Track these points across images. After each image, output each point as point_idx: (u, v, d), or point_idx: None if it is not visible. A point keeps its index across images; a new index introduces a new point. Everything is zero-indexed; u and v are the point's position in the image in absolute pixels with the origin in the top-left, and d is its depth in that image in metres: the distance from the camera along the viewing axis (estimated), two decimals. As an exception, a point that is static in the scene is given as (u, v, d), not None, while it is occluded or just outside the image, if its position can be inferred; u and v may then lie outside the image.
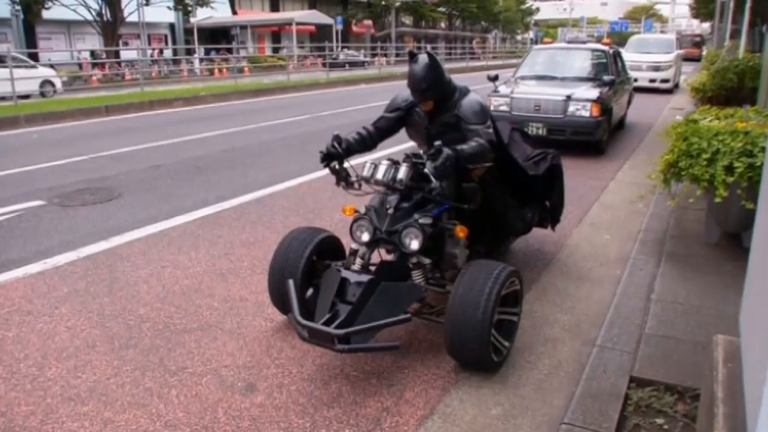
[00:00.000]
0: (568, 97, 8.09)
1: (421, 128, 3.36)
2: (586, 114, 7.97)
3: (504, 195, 3.71)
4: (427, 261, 3.08)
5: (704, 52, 26.30)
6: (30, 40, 27.50)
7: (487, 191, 3.47)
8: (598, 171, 7.40)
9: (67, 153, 8.48)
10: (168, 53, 32.90)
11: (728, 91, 9.81)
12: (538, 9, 64.85)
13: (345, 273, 2.89)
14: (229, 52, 28.69)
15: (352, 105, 14.67)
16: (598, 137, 8.17)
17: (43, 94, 15.92)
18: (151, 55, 30.19)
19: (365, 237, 2.99)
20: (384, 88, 19.55)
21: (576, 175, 7.20)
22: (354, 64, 33.19)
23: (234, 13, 39.31)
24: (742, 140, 3.97)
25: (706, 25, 48.59)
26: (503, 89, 8.78)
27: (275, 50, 37.92)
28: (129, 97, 15.29)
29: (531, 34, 66.58)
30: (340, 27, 39.18)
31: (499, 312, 2.83)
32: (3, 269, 4.27)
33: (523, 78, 9.45)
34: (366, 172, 3.07)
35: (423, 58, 3.11)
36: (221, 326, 3.41)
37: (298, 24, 36.14)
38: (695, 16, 43.07)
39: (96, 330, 3.38)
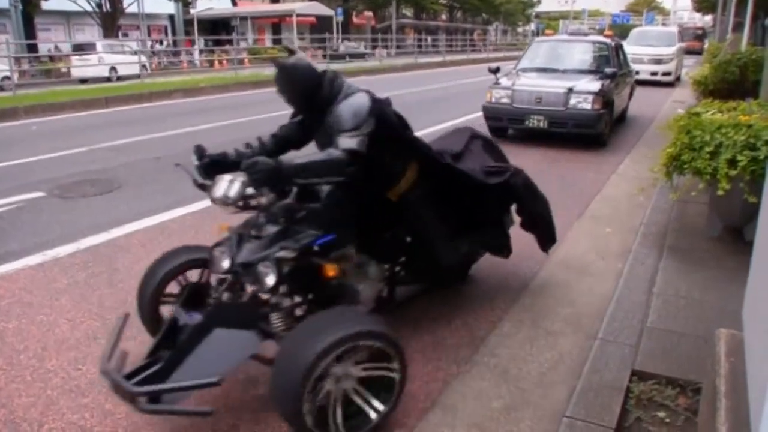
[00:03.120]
0: (570, 90, 8.06)
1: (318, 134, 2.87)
2: (588, 107, 7.94)
3: (432, 219, 3.09)
4: (287, 302, 2.59)
5: (706, 45, 26.18)
6: (29, 31, 27.37)
7: (411, 213, 2.99)
8: (600, 164, 7.38)
9: (67, 144, 8.46)
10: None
11: (730, 84, 9.76)
12: (539, 1, 64.54)
13: (177, 311, 2.52)
14: (229, 43, 28.60)
15: (352, 97, 14.59)
16: (599, 130, 8.15)
17: (139, 76, 18.48)
18: (152, 46, 30.06)
19: (224, 265, 2.53)
20: (384, 79, 19.46)
21: (577, 168, 7.18)
22: (354, 56, 33.07)
23: (234, 4, 39.16)
24: (745, 133, 3.95)
25: (708, 18, 48.42)
26: (504, 81, 8.77)
27: (275, 42, 37.77)
28: (128, 88, 15.24)
29: (532, 27, 66.30)
30: (340, 18, 39.04)
31: (365, 369, 2.32)
32: (3, 261, 4.27)
33: (524, 70, 9.41)
34: (213, 187, 2.53)
35: (285, 61, 2.67)
36: (222, 318, 3.40)
37: (298, 15, 35.97)
38: (697, 9, 42.83)
39: (96, 322, 3.37)
